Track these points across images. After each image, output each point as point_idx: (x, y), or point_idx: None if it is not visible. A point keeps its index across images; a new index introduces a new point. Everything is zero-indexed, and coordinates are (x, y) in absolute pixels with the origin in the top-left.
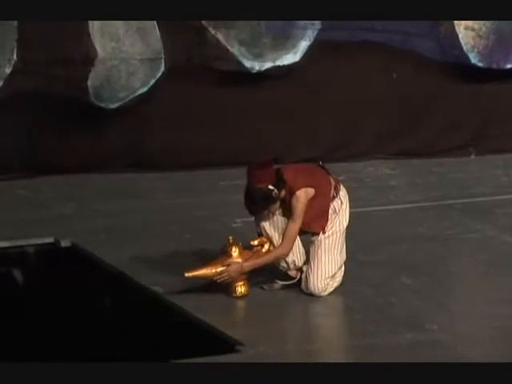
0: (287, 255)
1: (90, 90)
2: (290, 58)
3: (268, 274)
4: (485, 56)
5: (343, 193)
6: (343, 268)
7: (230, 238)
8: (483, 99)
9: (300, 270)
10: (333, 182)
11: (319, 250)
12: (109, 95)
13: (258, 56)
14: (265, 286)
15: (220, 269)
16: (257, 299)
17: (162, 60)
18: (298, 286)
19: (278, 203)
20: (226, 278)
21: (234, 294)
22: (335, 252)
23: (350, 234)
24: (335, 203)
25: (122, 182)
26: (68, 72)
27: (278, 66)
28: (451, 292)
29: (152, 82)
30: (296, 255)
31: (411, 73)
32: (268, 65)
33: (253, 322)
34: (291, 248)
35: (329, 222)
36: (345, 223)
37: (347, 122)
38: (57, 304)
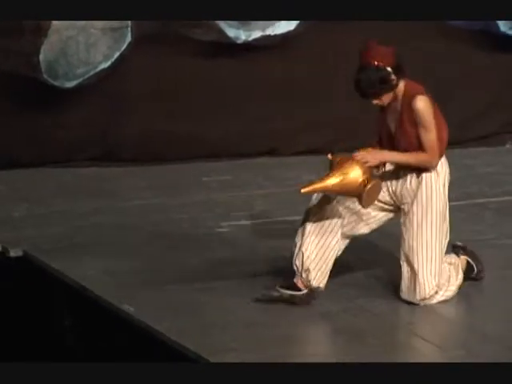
0: (434, 166)
1: (43, 66)
2: (284, 25)
3: (273, 276)
4: None
5: (445, 163)
6: (460, 275)
7: (329, 155)
8: None
9: (309, 287)
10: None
11: (416, 231)
12: (65, 71)
13: (244, 23)
14: (263, 293)
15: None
16: (247, 319)
17: (129, 29)
18: (307, 304)
19: (391, 94)
20: (371, 159)
21: (365, 190)
22: (434, 232)
23: (358, 242)
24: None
25: (86, 177)
26: (16, 44)
27: (269, 36)
28: (483, 311)
29: (116, 55)
30: (312, 265)
31: (432, 44)
32: (256, 34)
33: (242, 347)
34: (437, 158)
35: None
36: (443, 198)
37: (357, 104)
38: (4, 326)
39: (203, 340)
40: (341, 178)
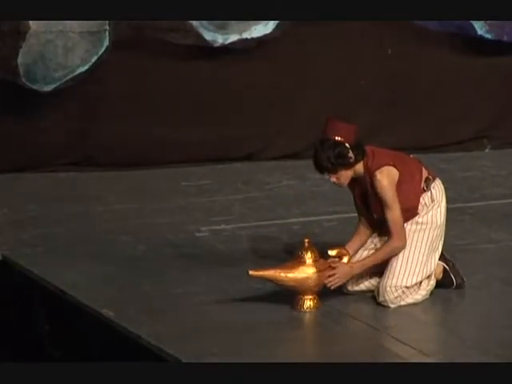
0: (404, 247)
1: (21, 70)
2: (261, 29)
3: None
4: (494, 26)
5: (438, 188)
6: (433, 281)
7: (306, 240)
8: (498, 80)
9: None
10: (424, 173)
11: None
12: (43, 75)
13: (221, 27)
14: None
15: (309, 272)
16: (227, 323)
17: (106, 33)
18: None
19: (349, 173)
20: (338, 282)
21: (302, 309)
22: (423, 249)
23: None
24: (426, 198)
25: (64, 182)
26: None
27: (246, 40)
28: (461, 315)
29: (94, 59)
30: None
31: (409, 48)
32: (233, 38)
33: (222, 351)
34: (404, 239)
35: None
36: (439, 219)
37: (333, 108)
38: None
39: (183, 345)
40: (292, 278)
